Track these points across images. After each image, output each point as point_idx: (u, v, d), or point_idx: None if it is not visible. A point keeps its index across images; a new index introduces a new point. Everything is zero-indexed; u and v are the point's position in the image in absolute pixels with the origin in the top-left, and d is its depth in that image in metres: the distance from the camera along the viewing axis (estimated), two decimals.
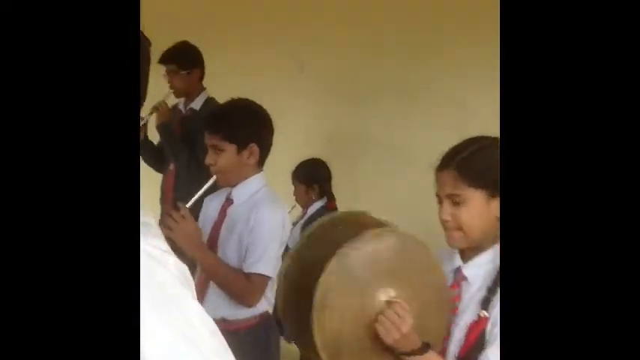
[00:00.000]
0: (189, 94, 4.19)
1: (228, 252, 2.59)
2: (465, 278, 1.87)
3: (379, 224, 1.80)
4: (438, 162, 1.88)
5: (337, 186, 4.10)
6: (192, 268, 2.64)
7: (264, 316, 2.64)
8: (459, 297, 1.86)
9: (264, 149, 2.65)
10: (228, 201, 2.69)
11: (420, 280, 1.75)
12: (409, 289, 1.72)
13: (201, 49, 4.16)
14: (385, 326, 1.67)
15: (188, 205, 2.56)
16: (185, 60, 4.10)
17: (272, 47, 4.74)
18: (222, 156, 2.58)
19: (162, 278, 0.94)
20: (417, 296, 1.73)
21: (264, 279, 2.53)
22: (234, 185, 2.67)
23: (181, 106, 4.27)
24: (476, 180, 1.79)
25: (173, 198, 3.95)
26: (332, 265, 1.65)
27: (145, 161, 4.25)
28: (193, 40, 4.15)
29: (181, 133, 4.12)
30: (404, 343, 1.68)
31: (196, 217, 2.64)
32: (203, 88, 4.19)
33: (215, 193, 2.78)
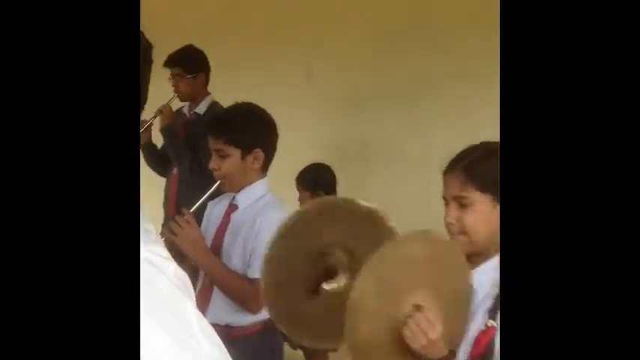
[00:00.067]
0: (193, 99, 4.19)
1: (233, 257, 2.58)
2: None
3: (369, 212, 1.77)
4: (446, 164, 1.87)
5: (342, 191, 4.08)
6: (196, 274, 2.64)
7: (269, 322, 2.60)
8: None
9: (269, 154, 2.63)
10: (232, 206, 2.68)
11: (450, 285, 1.72)
12: (439, 293, 1.69)
13: (206, 54, 4.16)
14: (412, 331, 1.64)
15: (192, 210, 2.55)
16: (191, 64, 4.10)
17: (279, 54, 4.73)
18: (227, 161, 2.57)
19: (162, 286, 0.92)
20: (445, 301, 1.70)
21: None
22: (238, 190, 2.65)
23: (185, 110, 4.28)
24: (483, 184, 1.77)
25: (176, 202, 3.98)
26: (368, 268, 1.62)
27: (148, 164, 4.27)
28: (198, 45, 4.15)
29: (185, 137, 4.12)
30: (431, 349, 1.65)
31: (199, 222, 2.62)
32: (208, 93, 4.20)
33: (218, 198, 2.77)
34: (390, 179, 4.55)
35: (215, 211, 2.74)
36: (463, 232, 1.81)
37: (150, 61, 1.07)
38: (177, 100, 4.20)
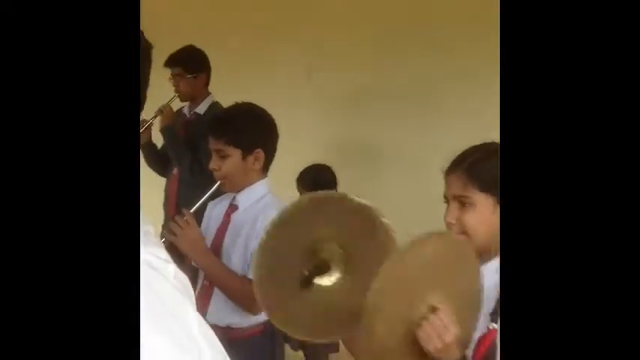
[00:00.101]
0: (194, 99, 4.19)
1: (233, 258, 2.57)
2: None
3: (362, 208, 1.77)
4: (448, 164, 1.86)
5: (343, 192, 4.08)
6: (196, 274, 2.63)
7: (269, 323, 2.60)
8: None
9: (270, 154, 2.63)
10: (233, 207, 2.67)
11: (464, 286, 1.72)
12: (454, 294, 1.67)
13: (206, 54, 4.16)
14: (427, 333, 1.62)
15: (192, 211, 2.54)
16: (191, 64, 4.10)
17: (279, 54, 4.73)
18: (227, 161, 2.56)
19: (162, 288, 0.91)
20: (460, 303, 1.69)
21: None
22: (238, 191, 2.64)
23: (186, 110, 4.28)
24: (485, 184, 1.76)
25: (177, 202, 3.98)
26: (387, 269, 1.61)
27: (149, 165, 4.27)
28: (198, 46, 4.15)
29: (185, 137, 4.12)
30: (445, 352, 1.63)
31: (199, 223, 2.62)
32: (208, 93, 4.19)
33: (218, 198, 2.76)
34: (390, 179, 4.55)
35: (215, 211, 2.73)
36: (463, 232, 1.80)
37: (149, 61, 1.06)
38: (177, 100, 4.20)
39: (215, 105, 4.09)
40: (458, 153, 1.87)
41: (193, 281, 2.62)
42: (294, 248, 1.75)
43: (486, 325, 1.74)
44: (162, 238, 2.50)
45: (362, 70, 4.62)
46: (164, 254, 0.95)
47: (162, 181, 4.27)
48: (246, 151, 2.56)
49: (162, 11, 4.57)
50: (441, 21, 4.32)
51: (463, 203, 1.80)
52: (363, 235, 1.77)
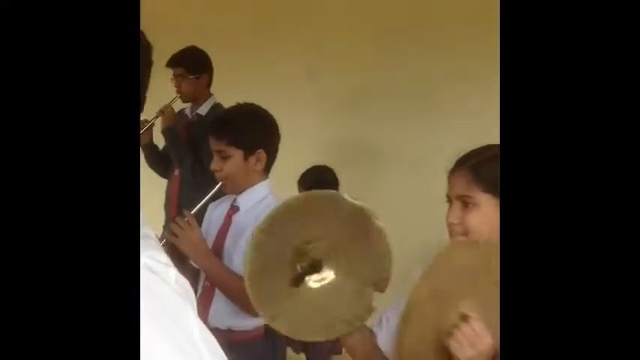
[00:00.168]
0: (196, 100, 4.19)
1: (235, 259, 2.55)
2: None
3: (356, 209, 1.76)
4: (453, 164, 1.85)
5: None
6: (197, 276, 2.63)
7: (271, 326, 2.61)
8: None
9: (271, 155, 2.62)
10: (234, 208, 2.66)
11: (494, 294, 1.70)
12: (487, 303, 1.63)
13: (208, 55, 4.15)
14: (459, 342, 1.60)
15: (193, 212, 2.54)
16: (193, 64, 4.10)
17: (280, 54, 4.72)
18: (229, 162, 2.55)
19: (162, 292, 0.91)
20: (493, 311, 1.67)
21: None
22: (239, 192, 2.63)
23: (188, 112, 4.28)
24: (489, 185, 1.75)
25: (178, 204, 3.97)
26: (421, 277, 1.61)
27: (150, 166, 4.27)
28: (198, 46, 4.15)
29: (187, 138, 4.12)
30: None
31: (199, 224, 2.61)
32: (210, 94, 4.20)
33: (219, 200, 2.75)
34: (390, 179, 4.55)
35: (216, 213, 2.73)
36: (465, 233, 1.78)
37: (149, 63, 1.06)
38: (179, 101, 4.20)
39: (217, 106, 4.09)
40: (461, 153, 1.86)
41: (194, 283, 2.62)
42: (286, 246, 1.75)
43: None
44: (163, 239, 2.50)
45: (362, 71, 4.62)
46: (164, 258, 0.95)
47: (163, 183, 4.27)
48: (248, 151, 2.55)
49: (163, 11, 4.57)
50: (440, 21, 4.32)
51: (466, 203, 1.78)
52: (355, 237, 1.76)
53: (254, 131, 2.58)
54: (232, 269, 2.53)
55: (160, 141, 4.23)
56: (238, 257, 2.54)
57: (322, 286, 1.81)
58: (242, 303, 2.47)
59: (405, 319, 1.60)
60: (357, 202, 1.76)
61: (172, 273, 0.93)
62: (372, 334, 1.94)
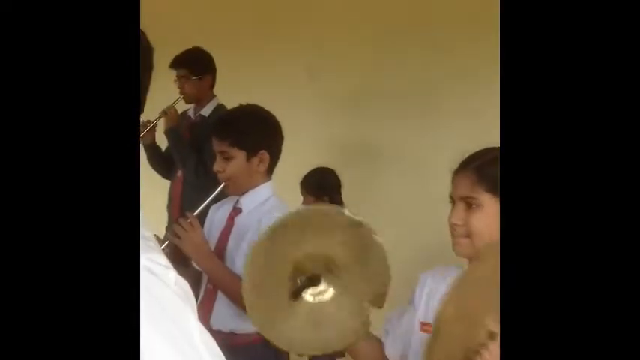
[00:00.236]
0: (199, 101, 4.19)
1: (237, 261, 2.54)
2: None
3: (355, 224, 1.76)
4: (457, 165, 1.84)
5: (347, 193, 4.07)
6: (200, 278, 2.63)
7: None
8: None
9: (274, 156, 2.61)
10: (236, 210, 2.65)
11: None
12: None
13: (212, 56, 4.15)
14: None
15: (195, 214, 2.54)
16: (197, 65, 4.10)
17: (282, 55, 4.73)
18: (231, 163, 2.54)
19: (162, 294, 0.91)
20: None
21: None
22: (242, 193, 2.62)
23: (191, 113, 4.27)
24: (493, 186, 1.73)
25: (181, 205, 3.96)
26: (450, 294, 1.59)
27: (152, 167, 4.27)
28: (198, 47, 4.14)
29: (190, 139, 4.11)
30: None
31: (202, 226, 2.61)
32: (213, 95, 4.19)
33: (221, 201, 2.74)
34: (391, 179, 4.54)
35: (218, 214, 2.72)
36: (468, 234, 1.77)
37: (150, 66, 1.06)
38: (182, 102, 4.19)
39: (220, 107, 4.08)
40: (465, 154, 1.85)
41: (197, 285, 2.62)
42: (285, 260, 1.75)
43: None
44: (166, 240, 2.50)
45: (362, 71, 4.61)
46: (164, 260, 0.94)
47: (166, 184, 4.27)
48: (251, 152, 2.54)
49: (163, 12, 4.57)
50: (440, 21, 4.31)
51: (470, 205, 1.77)
52: (354, 252, 1.76)
53: (257, 132, 2.57)
54: (235, 271, 2.52)
55: (162, 142, 4.23)
56: (240, 259, 2.52)
57: (320, 301, 1.81)
58: (243, 304, 2.46)
59: (434, 337, 1.58)
60: (356, 218, 1.76)
61: (172, 275, 0.93)
62: (380, 343, 1.94)
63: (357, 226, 1.74)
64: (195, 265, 2.58)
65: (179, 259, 2.54)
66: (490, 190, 1.75)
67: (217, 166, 2.58)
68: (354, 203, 4.08)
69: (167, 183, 4.27)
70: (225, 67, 4.20)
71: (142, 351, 0.84)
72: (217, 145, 2.57)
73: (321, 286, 1.80)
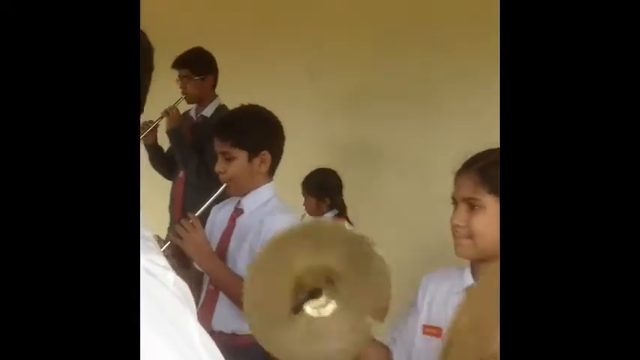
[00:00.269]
0: (201, 101, 4.19)
1: (239, 262, 2.55)
2: None
3: (355, 238, 1.75)
4: (460, 165, 1.83)
5: (348, 194, 4.08)
6: (202, 279, 2.63)
7: None
8: None
9: (276, 157, 2.61)
10: (238, 210, 2.65)
11: None
12: None
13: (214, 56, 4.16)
14: None
15: (197, 214, 2.53)
16: (199, 66, 4.10)
17: (283, 56, 4.73)
18: (233, 163, 2.54)
19: (161, 295, 0.90)
20: None
21: None
22: (244, 194, 2.62)
23: (192, 113, 4.27)
24: (496, 187, 1.72)
25: (183, 205, 3.97)
26: (465, 304, 1.59)
27: (154, 167, 4.27)
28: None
29: (192, 139, 4.11)
30: None
31: (204, 227, 2.61)
32: (215, 96, 4.19)
33: (223, 202, 2.74)
34: (391, 179, 4.54)
35: (220, 215, 2.72)
36: (470, 235, 1.77)
37: (150, 66, 1.06)
38: (184, 102, 4.19)
39: (222, 108, 4.08)
40: (464, 153, 1.85)
41: (198, 286, 2.62)
42: (286, 275, 1.75)
43: None
44: (168, 241, 2.50)
45: (362, 71, 4.61)
46: (163, 261, 0.94)
47: (168, 184, 4.28)
48: (252, 153, 2.54)
49: (163, 12, 4.58)
50: (441, 21, 4.32)
51: (472, 206, 1.77)
52: (355, 265, 1.76)
53: (258, 133, 2.57)
54: (236, 272, 2.52)
55: (164, 142, 4.23)
56: (242, 260, 2.54)
57: (321, 314, 1.80)
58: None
59: (448, 347, 1.58)
60: (356, 231, 1.76)
61: (171, 276, 0.93)
62: (388, 351, 1.94)
63: (357, 239, 1.74)
64: (196, 266, 2.58)
65: (181, 259, 2.54)
66: (493, 191, 1.74)
67: (219, 167, 2.58)
68: (355, 203, 4.12)
69: (169, 183, 4.27)
70: (226, 67, 4.20)
71: (142, 353, 0.83)
72: (219, 146, 2.57)
73: (322, 300, 1.80)
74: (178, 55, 4.07)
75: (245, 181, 2.59)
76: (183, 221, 2.50)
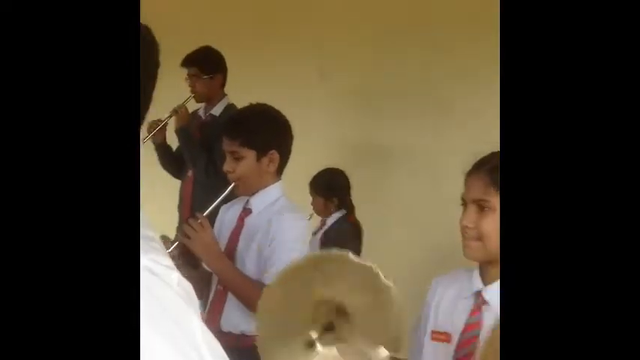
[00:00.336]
0: (210, 100, 4.18)
1: (247, 262, 2.54)
2: (486, 302, 1.79)
3: (363, 268, 1.72)
4: (470, 167, 1.82)
5: (356, 194, 4.07)
6: (210, 279, 2.62)
7: None
8: (479, 324, 1.79)
9: (284, 156, 2.60)
10: (246, 210, 2.64)
11: None
12: None
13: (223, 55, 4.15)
14: None
15: (205, 214, 2.52)
16: (208, 64, 4.10)
17: (292, 55, 4.72)
18: (241, 163, 2.53)
19: (164, 294, 0.90)
20: None
21: None
22: (252, 194, 2.61)
23: (201, 112, 4.27)
24: None
25: (191, 205, 3.97)
26: (493, 335, 1.57)
27: (163, 166, 4.28)
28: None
29: (201, 138, 4.11)
30: None
31: (212, 226, 2.60)
32: (224, 95, 4.18)
33: (231, 202, 2.74)
34: (402, 180, 4.53)
35: (228, 215, 2.71)
36: (479, 237, 1.76)
37: (156, 62, 1.04)
38: (192, 101, 4.19)
39: (231, 107, 4.07)
40: (475, 154, 1.84)
41: (207, 286, 2.61)
42: (297, 310, 1.73)
43: None
44: (176, 241, 2.49)
45: (373, 70, 4.61)
46: (167, 261, 0.93)
47: (176, 183, 4.28)
48: (261, 152, 2.53)
49: (173, 12, 4.59)
50: (441, 21, 4.31)
51: (482, 207, 1.76)
52: (363, 297, 1.74)
53: (267, 132, 2.56)
54: (245, 272, 2.51)
55: (173, 141, 4.24)
56: (251, 260, 2.53)
57: (335, 348, 1.79)
58: (254, 306, 2.41)
59: None
60: (362, 262, 1.74)
61: (175, 276, 0.92)
62: None
63: (364, 270, 1.72)
64: (205, 266, 2.57)
65: (189, 259, 2.53)
66: None
67: (227, 166, 2.57)
68: (366, 204, 4.11)
69: (178, 182, 4.28)
70: (235, 66, 4.20)
71: (142, 352, 0.83)
72: (227, 145, 2.56)
73: (335, 334, 1.79)
74: (187, 53, 4.07)
75: (253, 181, 2.58)
76: (191, 221, 2.49)
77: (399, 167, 4.57)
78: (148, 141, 4.04)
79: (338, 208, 4.01)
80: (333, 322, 1.75)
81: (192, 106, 4.24)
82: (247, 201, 2.65)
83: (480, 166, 1.80)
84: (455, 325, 1.84)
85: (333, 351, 1.77)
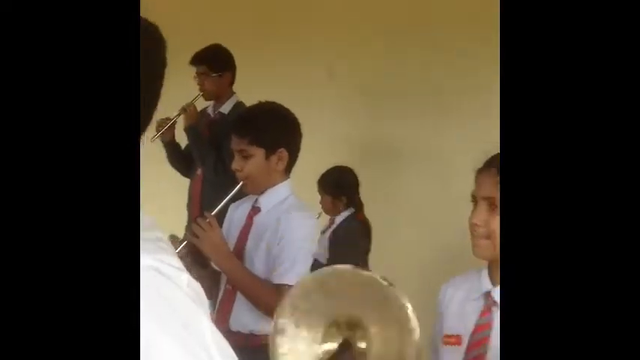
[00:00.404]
0: (218, 98, 4.19)
1: (256, 262, 2.54)
2: (496, 303, 1.78)
3: (371, 281, 1.71)
4: (481, 164, 1.82)
5: (364, 192, 4.06)
6: (219, 278, 2.62)
7: None
8: (489, 325, 1.78)
9: (293, 155, 2.59)
10: (255, 209, 2.63)
11: None
12: None
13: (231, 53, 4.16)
14: None
15: (214, 213, 2.52)
16: (217, 62, 4.10)
17: (301, 54, 4.73)
18: (250, 161, 2.52)
19: (173, 295, 0.90)
20: None
21: None
22: (261, 192, 2.61)
23: (210, 110, 4.28)
24: None
25: (200, 203, 3.97)
26: None
27: (172, 164, 4.29)
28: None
29: (209, 136, 4.11)
30: None
31: (221, 225, 2.59)
32: (233, 93, 4.19)
33: (240, 200, 2.73)
34: (412, 179, 4.53)
35: (237, 214, 2.70)
36: (488, 236, 1.75)
37: (163, 60, 1.04)
38: (201, 99, 4.20)
39: (239, 105, 4.07)
40: (485, 152, 1.83)
41: (216, 285, 2.61)
42: (312, 329, 1.72)
43: None
44: (185, 240, 2.49)
45: (388, 73, 4.61)
46: (177, 262, 0.94)
47: (185, 182, 4.29)
48: (270, 150, 2.52)
49: (184, 10, 4.60)
50: (441, 21, 4.30)
51: (492, 205, 1.75)
52: (374, 308, 1.73)
53: (276, 130, 2.55)
54: (254, 271, 2.51)
55: (182, 139, 4.24)
56: (259, 259, 2.53)
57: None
58: (263, 306, 2.44)
59: None
60: (368, 273, 1.72)
61: (184, 277, 0.93)
62: None
63: (371, 281, 1.71)
64: (214, 266, 2.57)
65: (198, 258, 2.53)
66: None
67: (236, 165, 2.56)
68: (375, 203, 4.11)
69: (187, 181, 4.29)
70: (244, 65, 4.20)
71: (151, 353, 0.84)
72: (236, 144, 2.55)
73: (352, 349, 1.78)
74: (196, 51, 4.07)
75: (262, 179, 2.58)
76: (200, 220, 2.48)
77: (407, 166, 4.57)
78: (157, 139, 4.04)
79: (346, 207, 4.00)
80: (348, 340, 1.74)
81: (201, 104, 4.25)
82: (256, 199, 2.64)
83: (490, 164, 1.79)
84: (466, 327, 1.83)
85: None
